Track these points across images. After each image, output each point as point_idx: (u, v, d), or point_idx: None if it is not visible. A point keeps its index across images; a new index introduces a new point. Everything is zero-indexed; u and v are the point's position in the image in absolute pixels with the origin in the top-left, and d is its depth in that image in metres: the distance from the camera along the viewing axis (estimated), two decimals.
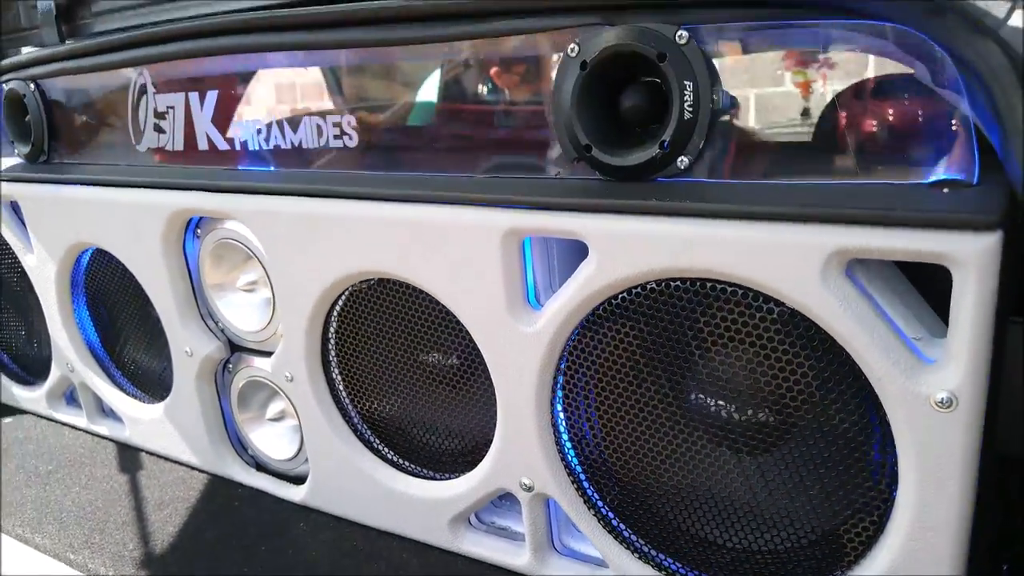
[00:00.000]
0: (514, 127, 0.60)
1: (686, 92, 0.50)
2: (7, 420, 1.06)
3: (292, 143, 0.71)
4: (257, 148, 0.73)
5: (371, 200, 0.62)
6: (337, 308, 0.69)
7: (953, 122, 0.45)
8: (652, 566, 0.59)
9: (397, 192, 0.60)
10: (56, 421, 1.02)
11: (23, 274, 0.96)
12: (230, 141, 0.76)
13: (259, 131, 0.73)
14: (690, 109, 0.50)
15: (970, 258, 0.41)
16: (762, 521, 0.55)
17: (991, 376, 0.44)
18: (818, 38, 0.48)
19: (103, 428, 0.96)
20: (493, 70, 0.60)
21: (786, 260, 0.46)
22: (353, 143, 0.67)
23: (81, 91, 0.89)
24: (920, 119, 0.46)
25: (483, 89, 0.61)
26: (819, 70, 0.49)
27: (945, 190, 0.45)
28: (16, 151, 0.96)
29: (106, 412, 0.97)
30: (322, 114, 0.69)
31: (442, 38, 0.60)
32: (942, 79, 0.45)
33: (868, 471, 0.50)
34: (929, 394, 0.45)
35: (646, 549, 0.60)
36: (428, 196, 0.59)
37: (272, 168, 0.73)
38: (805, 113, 0.50)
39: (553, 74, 0.55)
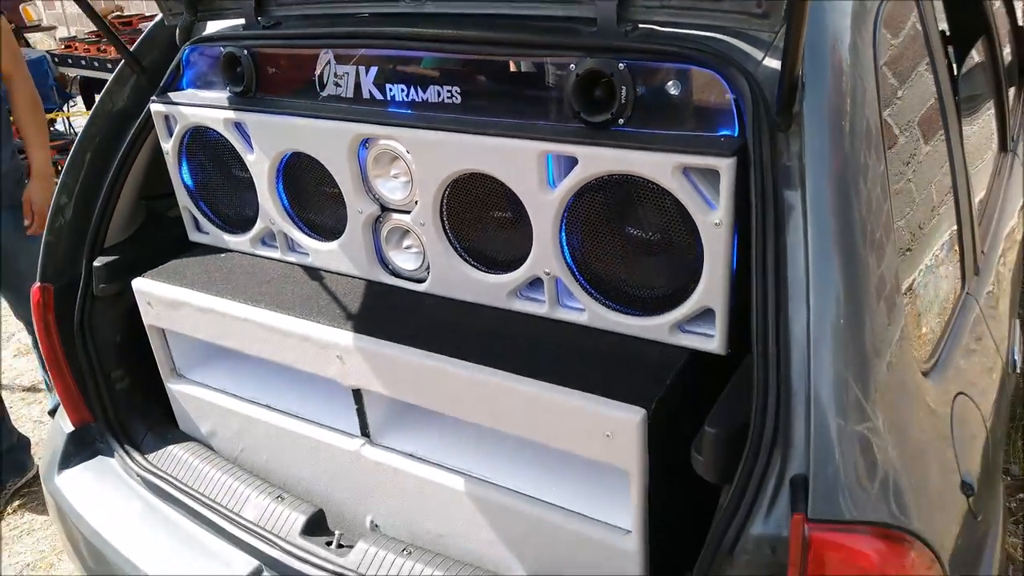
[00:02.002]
0: (547, 98, 1.23)
1: (622, 91, 1.13)
2: (221, 255, 1.71)
3: (422, 99, 1.33)
4: (401, 100, 1.36)
5: (473, 134, 1.25)
6: (448, 186, 1.33)
7: (733, 111, 1.09)
8: (603, 305, 1.27)
9: (488, 130, 1.23)
10: (256, 255, 1.68)
11: (241, 165, 1.58)
12: (383, 94, 1.38)
13: (403, 90, 1.35)
14: (623, 99, 1.13)
15: (723, 166, 1.06)
16: (653, 283, 1.22)
17: (735, 213, 1.09)
18: (678, 69, 1.11)
19: (292, 258, 1.62)
20: (539, 69, 1.23)
21: (659, 167, 1.10)
22: (458, 102, 1.30)
23: (280, 55, 1.50)
24: (720, 109, 1.10)
25: (533, 79, 1.24)
26: (680, 83, 1.12)
27: (723, 139, 1.09)
28: (229, 89, 1.57)
29: (292, 248, 1.63)
30: (439, 84, 1.31)
31: (507, 53, 1.23)
32: (728, 91, 1.08)
33: (693, 258, 1.16)
34: (714, 221, 1.10)
35: (601, 299, 1.27)
36: (503, 132, 1.22)
37: (411, 112, 1.35)
38: (674, 100, 1.13)
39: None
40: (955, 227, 1.36)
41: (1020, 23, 2.74)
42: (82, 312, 1.67)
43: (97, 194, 1.69)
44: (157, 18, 1.70)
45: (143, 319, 1.66)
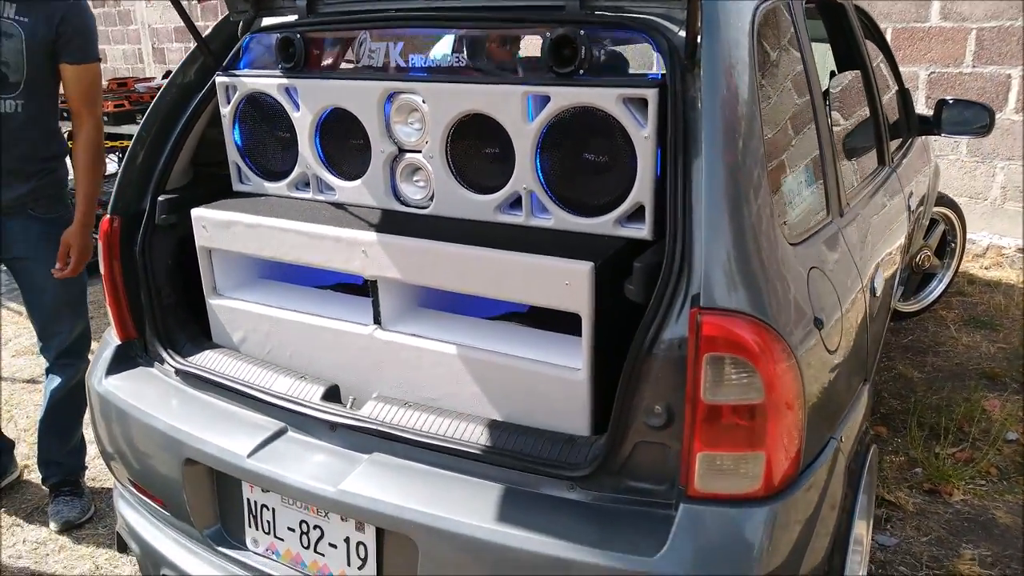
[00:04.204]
0: (528, 58, 1.72)
1: (582, 50, 1.62)
2: (261, 198, 2.14)
3: (437, 64, 1.82)
4: (419, 66, 1.84)
5: (472, 84, 1.73)
6: (453, 126, 1.80)
7: (655, 59, 1.59)
8: (565, 211, 1.72)
9: (485, 81, 1.71)
10: (291, 197, 2.10)
11: (287, 122, 2.03)
12: (407, 62, 1.86)
13: (423, 60, 1.83)
14: (583, 55, 1.62)
15: (649, 95, 1.54)
16: (602, 192, 1.68)
17: (658, 130, 1.57)
18: (620, 35, 1.61)
19: (321, 197, 2.05)
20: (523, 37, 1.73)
21: (607, 98, 1.58)
22: (463, 64, 1.79)
23: (324, 39, 1.98)
24: (647, 60, 1.59)
25: (518, 45, 1.73)
26: (622, 43, 1.62)
27: (649, 79, 1.58)
28: (280, 65, 2.03)
29: (321, 190, 2.06)
30: (449, 52, 1.80)
31: (501, 28, 1.72)
32: (653, 48, 1.58)
33: (630, 168, 1.63)
34: (644, 135, 1.58)
35: (564, 206, 1.72)
36: (496, 81, 1.70)
37: (427, 73, 1.83)
38: (617, 55, 1.63)
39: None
40: (821, 167, 1.87)
41: (905, 85, 3.39)
42: (144, 239, 2.07)
43: (164, 147, 2.12)
44: (221, 17, 2.18)
45: (196, 242, 2.06)
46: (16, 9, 2.43)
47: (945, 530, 2.56)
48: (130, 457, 2.02)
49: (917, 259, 3.93)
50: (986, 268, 5.20)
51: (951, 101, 3.42)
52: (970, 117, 3.38)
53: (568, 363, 1.63)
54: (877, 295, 2.04)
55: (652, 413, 1.44)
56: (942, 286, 4.36)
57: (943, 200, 4.26)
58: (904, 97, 3.38)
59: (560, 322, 1.78)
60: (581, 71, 1.64)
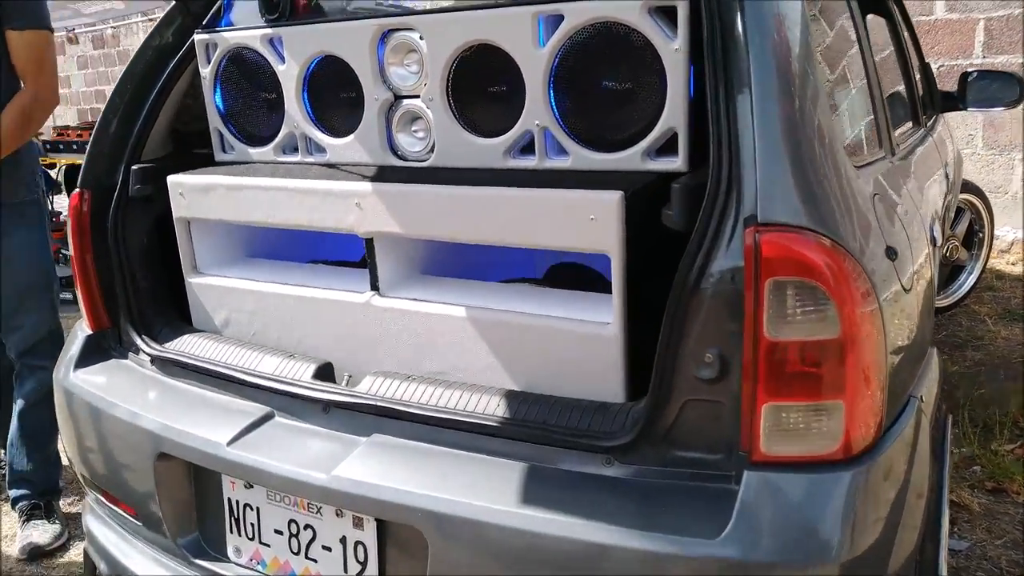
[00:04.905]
0: None
1: None
2: (245, 166, 1.93)
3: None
4: (409, 6, 1.64)
5: (475, 10, 1.52)
6: (455, 61, 1.59)
7: None
8: (584, 147, 1.50)
9: (488, 5, 1.51)
10: (280, 162, 1.89)
11: (272, 79, 1.83)
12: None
13: None
14: None
15: (680, 10, 1.34)
16: (626, 122, 1.47)
17: (690, 42, 1.36)
18: None
19: (311, 158, 1.84)
20: None
21: (630, 9, 1.38)
22: None
23: None
24: None
25: None
26: None
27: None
28: (264, 17, 1.84)
29: (310, 152, 1.85)
30: None
31: None
32: None
33: (659, 87, 1.41)
34: (674, 47, 1.37)
35: (580, 142, 1.50)
36: (503, 4, 1.50)
37: (420, 9, 1.63)
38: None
39: None
40: (870, 97, 1.66)
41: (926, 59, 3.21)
42: (116, 213, 1.85)
43: (139, 114, 1.91)
44: None
45: (173, 213, 1.84)
46: None
47: (1020, 531, 2.29)
48: (97, 458, 1.78)
49: (945, 250, 3.70)
50: (1013, 264, 4.97)
51: (975, 73, 3.22)
52: (997, 89, 3.17)
53: (595, 318, 1.40)
54: (937, 244, 1.81)
55: (702, 362, 1.20)
56: (973, 278, 4.13)
57: (967, 187, 4.05)
58: (926, 71, 3.19)
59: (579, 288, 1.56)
60: None
